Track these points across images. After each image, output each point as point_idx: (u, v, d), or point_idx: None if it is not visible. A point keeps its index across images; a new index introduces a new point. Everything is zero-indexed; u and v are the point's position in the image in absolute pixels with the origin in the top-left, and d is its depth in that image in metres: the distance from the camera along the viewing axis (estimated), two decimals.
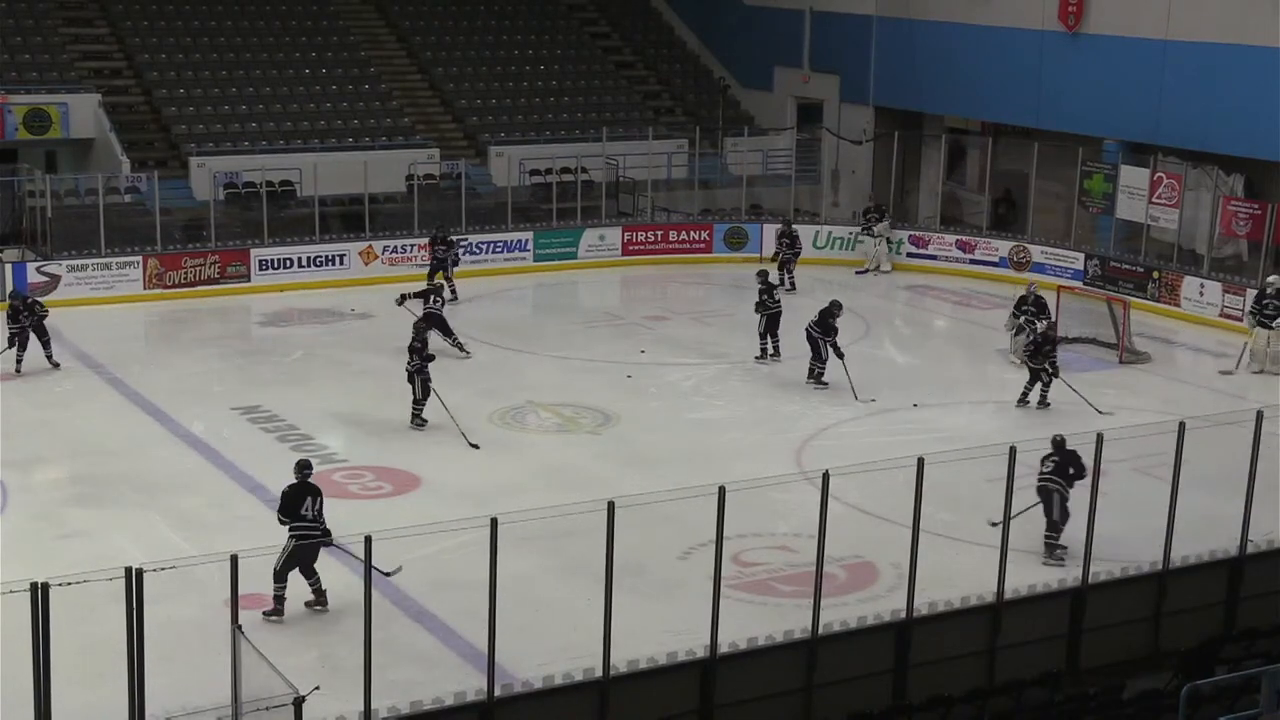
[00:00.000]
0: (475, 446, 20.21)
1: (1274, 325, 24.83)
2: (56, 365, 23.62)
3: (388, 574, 13.43)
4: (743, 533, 15.89)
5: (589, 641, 12.60)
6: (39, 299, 24.39)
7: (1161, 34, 30.34)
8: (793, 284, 30.15)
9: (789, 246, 30.83)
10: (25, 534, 16.86)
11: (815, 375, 23.47)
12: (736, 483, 12.83)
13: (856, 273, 32.24)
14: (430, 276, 27.89)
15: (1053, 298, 26.94)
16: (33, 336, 23.42)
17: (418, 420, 20.90)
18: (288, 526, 14.64)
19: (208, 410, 21.95)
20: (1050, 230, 32.49)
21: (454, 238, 29.60)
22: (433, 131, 35.93)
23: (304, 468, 14.97)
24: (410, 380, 20.89)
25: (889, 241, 32.64)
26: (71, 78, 33.70)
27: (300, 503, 14.66)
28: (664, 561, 15.94)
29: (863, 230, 32.85)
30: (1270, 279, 25.61)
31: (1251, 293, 27.48)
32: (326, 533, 14.73)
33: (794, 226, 31.55)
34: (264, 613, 14.39)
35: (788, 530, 16.97)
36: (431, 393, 20.78)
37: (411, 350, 20.98)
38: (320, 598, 14.77)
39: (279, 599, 14.57)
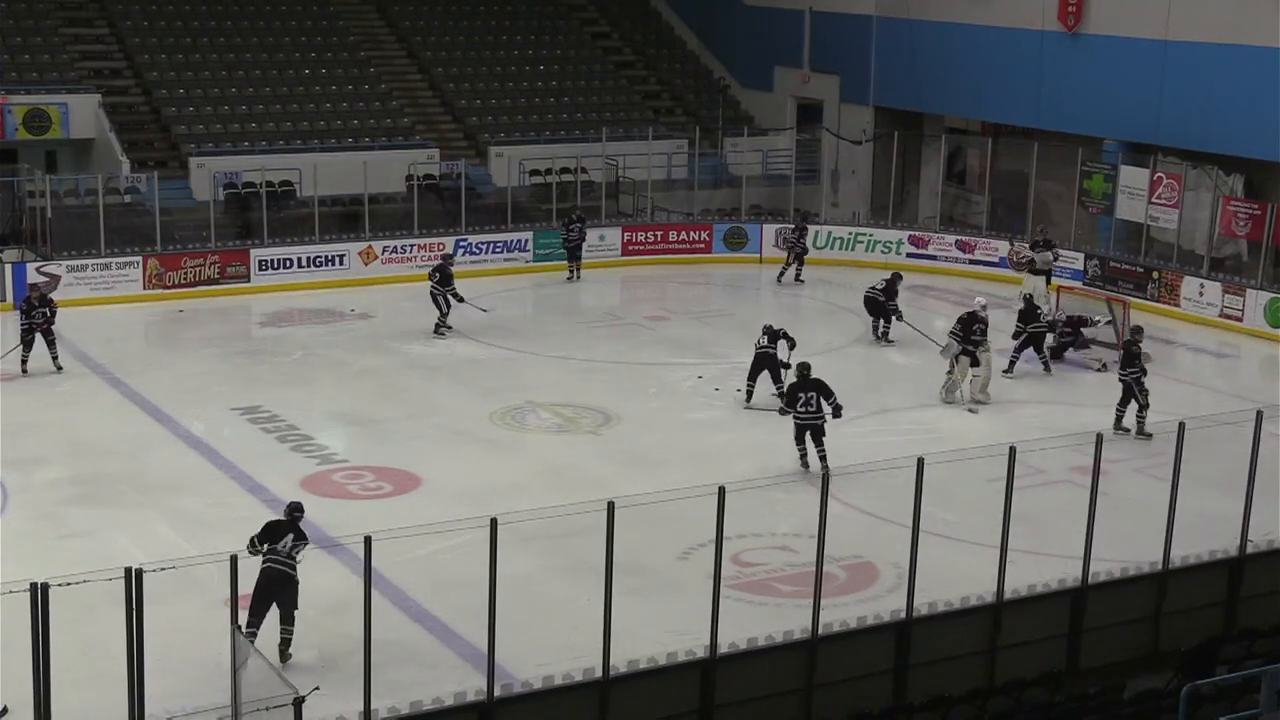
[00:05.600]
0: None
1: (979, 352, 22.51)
2: (60, 369, 23.45)
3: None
4: (743, 533, 15.89)
5: (589, 641, 12.58)
6: (52, 298, 24.07)
7: (1161, 34, 30.33)
8: (799, 276, 30.72)
9: (798, 241, 31.05)
10: (25, 534, 16.84)
11: (882, 334, 26.23)
12: (736, 483, 12.83)
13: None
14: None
15: (1051, 298, 26.97)
16: (39, 337, 23.21)
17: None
18: (260, 556, 13.45)
19: (208, 410, 21.95)
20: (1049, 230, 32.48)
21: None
22: (433, 131, 35.93)
23: (295, 510, 14.02)
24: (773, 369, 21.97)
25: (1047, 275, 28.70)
26: (71, 78, 33.71)
27: (280, 537, 13.63)
28: (664, 561, 15.94)
29: (1031, 270, 28.76)
30: (979, 299, 23.60)
31: (1253, 293, 27.50)
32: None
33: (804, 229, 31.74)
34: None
35: (788, 530, 16.96)
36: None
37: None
38: (284, 649, 13.55)
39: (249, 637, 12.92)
